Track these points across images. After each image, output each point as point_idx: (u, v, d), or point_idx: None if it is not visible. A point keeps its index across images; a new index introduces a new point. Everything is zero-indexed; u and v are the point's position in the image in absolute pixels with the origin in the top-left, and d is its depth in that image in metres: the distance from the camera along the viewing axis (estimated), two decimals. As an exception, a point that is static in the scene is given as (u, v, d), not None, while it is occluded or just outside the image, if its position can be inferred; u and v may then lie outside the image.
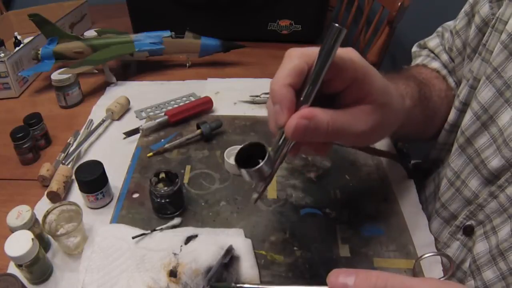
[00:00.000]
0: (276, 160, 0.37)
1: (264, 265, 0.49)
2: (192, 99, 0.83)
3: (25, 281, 0.46)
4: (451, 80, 0.60)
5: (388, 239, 0.53)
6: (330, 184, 0.61)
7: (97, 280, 0.47)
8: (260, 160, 0.35)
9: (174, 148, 0.69)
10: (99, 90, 0.89)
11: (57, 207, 0.52)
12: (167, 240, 0.50)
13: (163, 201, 0.54)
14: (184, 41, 0.93)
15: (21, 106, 0.86)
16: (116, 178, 0.62)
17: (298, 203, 0.58)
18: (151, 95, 0.85)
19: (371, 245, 0.52)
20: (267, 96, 0.73)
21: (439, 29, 0.66)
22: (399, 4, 1.07)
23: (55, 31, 0.88)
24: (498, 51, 0.44)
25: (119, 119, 0.78)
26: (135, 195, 0.60)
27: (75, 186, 0.60)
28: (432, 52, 0.64)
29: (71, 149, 0.69)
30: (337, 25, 0.32)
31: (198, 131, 0.70)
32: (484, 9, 0.49)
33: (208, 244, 0.49)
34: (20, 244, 0.45)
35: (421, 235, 0.54)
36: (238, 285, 0.44)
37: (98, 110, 0.80)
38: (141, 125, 0.72)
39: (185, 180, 0.62)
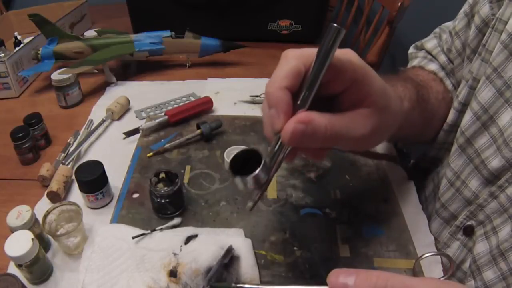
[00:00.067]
0: (272, 166, 0.36)
1: (264, 265, 0.49)
2: (192, 99, 0.83)
3: (25, 281, 0.46)
4: (448, 82, 0.60)
5: (388, 239, 0.53)
6: (330, 184, 0.61)
7: (97, 280, 0.47)
8: (257, 167, 0.34)
9: (174, 148, 0.69)
10: (99, 90, 0.89)
11: (57, 207, 0.52)
12: (167, 240, 0.50)
13: (163, 201, 0.54)
14: (184, 41, 0.93)
15: (21, 106, 0.86)
16: (116, 178, 0.62)
17: (298, 203, 0.58)
18: (151, 95, 0.85)
19: (371, 245, 0.52)
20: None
21: (436, 30, 0.65)
22: (399, 4, 1.07)
23: (55, 31, 0.88)
24: (498, 51, 0.44)
25: (119, 119, 0.78)
26: (135, 195, 0.60)
27: (75, 186, 0.60)
28: (430, 53, 0.64)
29: (71, 149, 0.69)
30: (336, 25, 0.31)
31: (198, 131, 0.70)
32: (484, 9, 0.48)
33: (208, 244, 0.49)
34: (20, 244, 0.45)
35: (421, 235, 0.54)
36: (238, 285, 0.43)
37: (98, 110, 0.80)
38: (141, 125, 0.72)
39: (185, 180, 0.62)
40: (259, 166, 0.34)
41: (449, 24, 0.63)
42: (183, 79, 0.92)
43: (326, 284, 0.29)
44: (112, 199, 0.59)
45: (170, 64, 0.99)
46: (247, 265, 0.47)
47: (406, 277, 0.28)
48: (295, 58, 0.34)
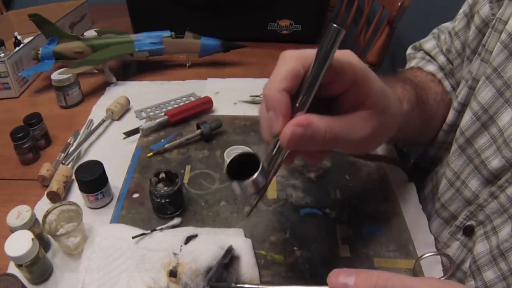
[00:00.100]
0: (270, 170, 0.35)
1: (264, 265, 0.49)
2: (192, 99, 0.83)
3: (25, 281, 0.46)
4: (446, 84, 0.60)
5: (388, 239, 0.53)
6: (330, 184, 0.61)
7: (97, 280, 0.47)
8: (255, 171, 0.33)
9: (174, 148, 0.69)
10: (99, 90, 0.89)
11: (57, 207, 0.52)
12: (167, 240, 0.50)
13: (163, 201, 0.54)
14: (184, 41, 0.93)
15: (21, 106, 0.86)
16: (116, 178, 0.62)
17: (298, 203, 0.58)
18: (151, 95, 0.85)
19: (371, 245, 0.52)
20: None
21: (435, 30, 0.65)
22: (399, 4, 1.07)
23: (55, 31, 0.88)
24: (498, 51, 0.44)
25: (119, 119, 0.78)
26: (135, 195, 0.60)
27: (75, 186, 0.60)
28: (428, 54, 0.63)
29: (71, 149, 0.68)
30: (335, 25, 0.30)
31: (198, 131, 0.70)
32: (484, 9, 0.48)
33: (208, 244, 0.49)
34: (20, 244, 0.45)
35: (421, 235, 0.54)
36: (238, 285, 0.44)
37: (98, 110, 0.80)
38: (141, 125, 0.72)
39: (185, 180, 0.62)
40: (256, 170, 0.33)
41: (447, 24, 0.63)
42: (183, 79, 0.92)
43: (326, 284, 0.29)
44: (112, 199, 0.59)
45: (170, 64, 0.99)
46: (247, 265, 0.47)
47: (406, 277, 0.28)
48: (294, 59, 0.33)
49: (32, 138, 0.67)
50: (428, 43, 0.64)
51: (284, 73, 0.33)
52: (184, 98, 0.84)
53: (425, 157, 0.64)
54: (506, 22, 0.43)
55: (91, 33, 1.02)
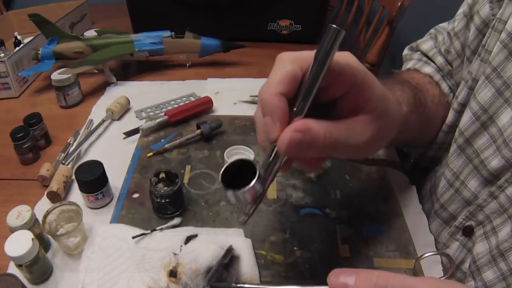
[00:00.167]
0: (267, 178, 0.33)
1: (264, 265, 0.49)
2: (192, 99, 0.83)
3: (25, 281, 0.46)
4: (444, 85, 0.59)
5: (388, 239, 0.53)
6: (330, 184, 0.61)
7: (97, 280, 0.47)
8: (251, 178, 0.31)
9: (174, 148, 0.69)
10: (99, 90, 0.89)
11: (57, 207, 0.52)
12: (167, 240, 0.50)
13: (163, 201, 0.54)
14: (184, 41, 0.93)
15: (21, 106, 0.86)
16: (116, 178, 0.62)
17: (298, 203, 0.58)
18: (151, 95, 0.85)
19: (371, 245, 0.52)
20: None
21: (432, 31, 0.64)
22: (399, 4, 1.07)
23: (55, 31, 0.88)
24: (498, 50, 0.43)
25: (119, 119, 0.78)
26: (135, 195, 0.60)
27: (75, 186, 0.60)
28: (425, 55, 0.63)
29: (71, 149, 0.69)
30: (335, 26, 0.29)
31: (198, 131, 0.70)
32: (484, 9, 0.48)
33: (208, 244, 0.49)
34: (20, 244, 0.45)
35: (421, 235, 0.54)
36: (238, 285, 0.44)
37: (98, 110, 0.80)
38: (141, 125, 0.72)
39: (185, 180, 0.62)
40: (252, 178, 0.31)
41: (444, 25, 0.62)
42: (183, 79, 0.92)
43: (326, 284, 0.29)
44: (112, 199, 0.59)
45: (170, 64, 0.99)
46: (247, 265, 0.47)
47: (407, 276, 0.27)
48: (291, 62, 0.32)
49: (32, 138, 0.67)
50: (426, 44, 0.63)
51: (281, 76, 0.31)
52: (184, 98, 0.84)
53: (424, 157, 0.64)
54: (506, 22, 0.43)
55: (91, 33, 1.02)
